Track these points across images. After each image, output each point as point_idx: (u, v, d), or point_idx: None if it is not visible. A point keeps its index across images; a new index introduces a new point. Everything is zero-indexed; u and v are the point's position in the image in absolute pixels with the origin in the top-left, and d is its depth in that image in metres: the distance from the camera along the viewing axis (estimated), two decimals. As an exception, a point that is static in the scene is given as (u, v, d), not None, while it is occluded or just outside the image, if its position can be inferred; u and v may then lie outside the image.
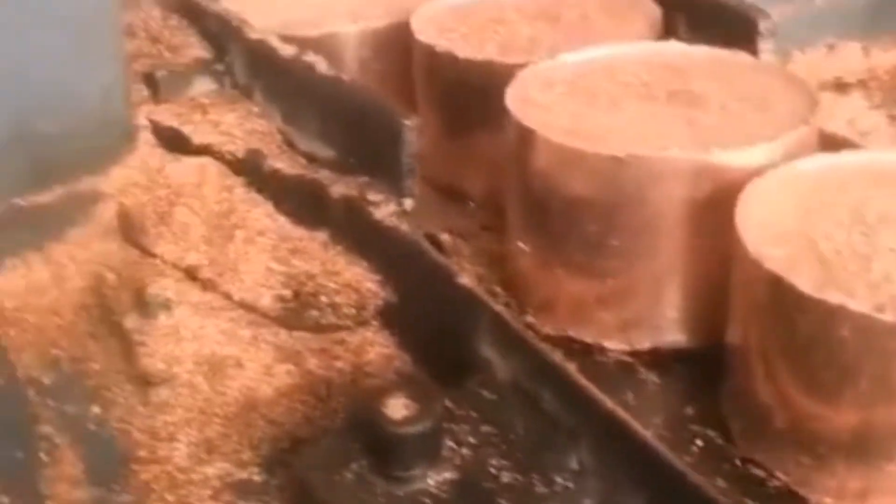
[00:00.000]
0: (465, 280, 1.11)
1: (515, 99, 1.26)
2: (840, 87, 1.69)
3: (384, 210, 1.24)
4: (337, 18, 1.64)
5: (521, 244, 1.24)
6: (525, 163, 1.21)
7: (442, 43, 1.47)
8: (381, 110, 1.29)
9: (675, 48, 1.36)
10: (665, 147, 1.14)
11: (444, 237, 1.28)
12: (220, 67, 1.57)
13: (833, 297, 0.94)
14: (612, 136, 1.17)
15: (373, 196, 1.25)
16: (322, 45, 1.55)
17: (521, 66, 1.35)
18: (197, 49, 1.60)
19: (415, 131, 1.25)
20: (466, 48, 1.45)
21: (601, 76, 1.31)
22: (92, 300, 1.37)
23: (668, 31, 1.50)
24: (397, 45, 1.57)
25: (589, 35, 1.48)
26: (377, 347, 1.21)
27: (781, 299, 0.97)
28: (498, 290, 1.27)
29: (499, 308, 1.09)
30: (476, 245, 1.38)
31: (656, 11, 1.52)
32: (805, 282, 0.96)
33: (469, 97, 1.44)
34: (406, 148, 1.25)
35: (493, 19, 1.55)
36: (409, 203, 1.24)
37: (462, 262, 1.31)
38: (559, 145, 1.16)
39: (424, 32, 1.51)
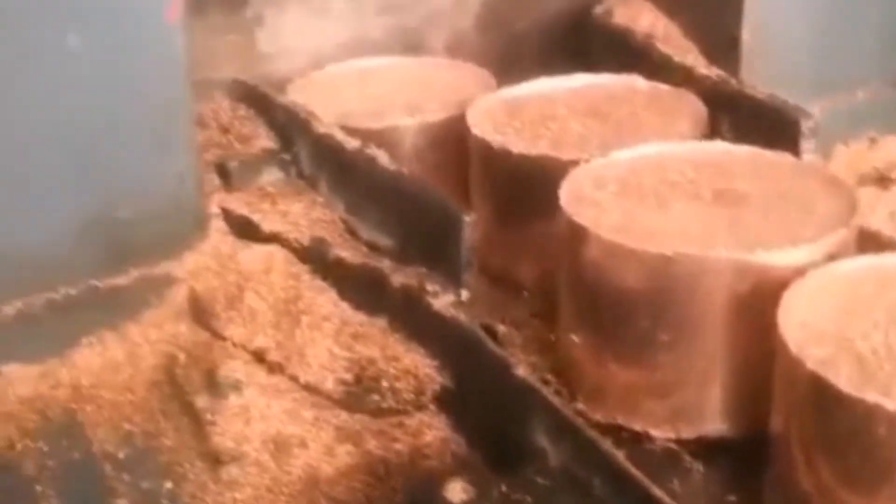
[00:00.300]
0: (522, 371, 1.17)
1: (569, 196, 1.34)
2: (882, 181, 1.75)
3: (442, 300, 1.31)
4: (396, 111, 1.73)
5: (573, 336, 1.31)
6: (577, 258, 1.28)
7: (497, 138, 1.55)
8: (440, 205, 1.37)
9: (720, 147, 1.44)
10: (710, 246, 1.21)
11: (500, 328, 1.34)
12: (286, 157, 1.66)
13: (870, 396, 0.99)
14: (660, 234, 1.24)
15: (431, 286, 1.33)
16: (382, 136, 1.64)
17: (573, 161, 1.43)
18: (265, 139, 1.69)
19: (472, 226, 1.33)
20: (520, 143, 1.53)
21: (651, 174, 1.38)
22: (164, 379, 1.44)
23: (712, 129, 1.57)
24: (453, 136, 1.66)
25: (638, 132, 1.56)
26: (434, 431, 1.27)
27: (821, 396, 1.03)
28: (549, 377, 1.34)
29: (553, 398, 1.15)
30: (528, 333, 1.44)
31: (702, 110, 1.59)
32: (844, 381, 1.01)
33: (522, 189, 1.52)
34: (464, 242, 1.32)
35: (545, 115, 1.63)
36: (465, 294, 1.31)
37: (515, 351, 1.38)
38: (610, 242, 1.23)
39: (480, 127, 1.59)
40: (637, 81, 1.70)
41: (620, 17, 1.93)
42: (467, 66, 1.88)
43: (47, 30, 1.39)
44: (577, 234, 1.28)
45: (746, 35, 1.82)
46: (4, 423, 1.40)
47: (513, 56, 2.00)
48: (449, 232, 1.34)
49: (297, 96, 1.79)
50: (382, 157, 1.47)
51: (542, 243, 1.47)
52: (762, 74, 1.83)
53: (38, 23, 1.39)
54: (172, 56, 1.50)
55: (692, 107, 1.61)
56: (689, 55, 1.77)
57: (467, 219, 1.33)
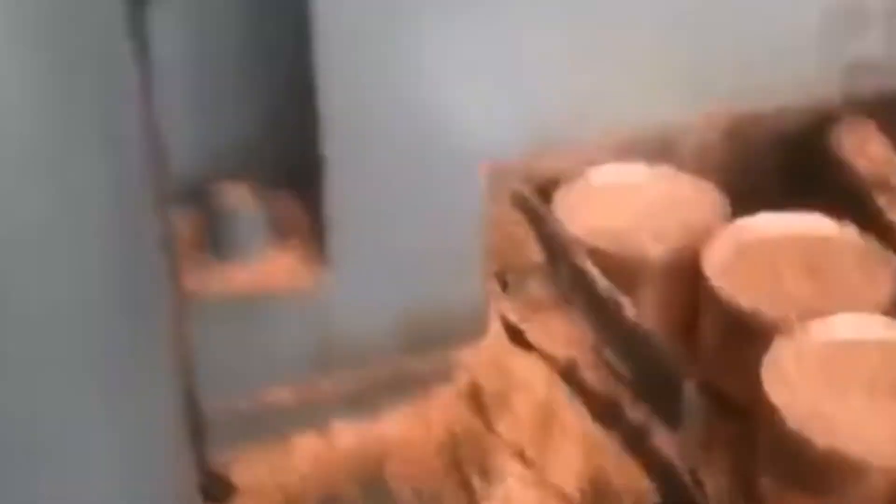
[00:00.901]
0: (717, 526, 1.58)
1: (770, 368, 1.70)
2: None
3: (663, 439, 1.72)
4: (639, 236, 2.09)
5: (763, 479, 1.70)
6: (769, 424, 1.66)
7: (719, 286, 1.91)
8: (670, 364, 1.76)
9: (909, 337, 1.75)
10: (879, 445, 1.56)
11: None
12: (552, 271, 2.07)
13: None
14: (839, 427, 1.60)
15: (655, 428, 1.74)
16: (624, 261, 2.02)
17: (779, 323, 1.79)
18: (535, 251, 2.10)
19: (694, 390, 1.72)
20: (737, 293, 1.89)
21: (842, 356, 1.72)
22: (447, 452, 1.92)
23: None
24: (688, 266, 2.02)
25: (842, 292, 1.88)
26: (648, 540, 1.71)
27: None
28: (741, 505, 1.74)
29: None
30: (731, 457, 1.83)
31: (904, 273, 1.89)
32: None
33: (736, 331, 1.89)
34: (685, 402, 1.72)
35: (766, 261, 1.97)
36: (683, 441, 1.72)
37: (719, 477, 1.77)
38: (793, 431, 1.61)
39: (710, 269, 1.95)
40: (852, 234, 1.99)
41: (850, 144, 2.20)
42: (707, 187, 2.19)
43: (382, 178, 1.84)
44: (772, 409, 1.65)
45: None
46: (334, 470, 1.93)
47: (748, 170, 2.31)
48: (674, 388, 1.74)
49: (560, 204, 2.17)
50: (628, 307, 1.87)
51: (751, 384, 1.84)
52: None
53: (372, 175, 1.85)
54: (477, 190, 1.91)
55: (894, 273, 1.91)
56: (903, 208, 2.04)
57: (689, 383, 1.72)
